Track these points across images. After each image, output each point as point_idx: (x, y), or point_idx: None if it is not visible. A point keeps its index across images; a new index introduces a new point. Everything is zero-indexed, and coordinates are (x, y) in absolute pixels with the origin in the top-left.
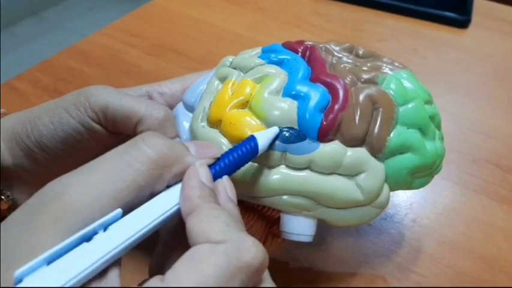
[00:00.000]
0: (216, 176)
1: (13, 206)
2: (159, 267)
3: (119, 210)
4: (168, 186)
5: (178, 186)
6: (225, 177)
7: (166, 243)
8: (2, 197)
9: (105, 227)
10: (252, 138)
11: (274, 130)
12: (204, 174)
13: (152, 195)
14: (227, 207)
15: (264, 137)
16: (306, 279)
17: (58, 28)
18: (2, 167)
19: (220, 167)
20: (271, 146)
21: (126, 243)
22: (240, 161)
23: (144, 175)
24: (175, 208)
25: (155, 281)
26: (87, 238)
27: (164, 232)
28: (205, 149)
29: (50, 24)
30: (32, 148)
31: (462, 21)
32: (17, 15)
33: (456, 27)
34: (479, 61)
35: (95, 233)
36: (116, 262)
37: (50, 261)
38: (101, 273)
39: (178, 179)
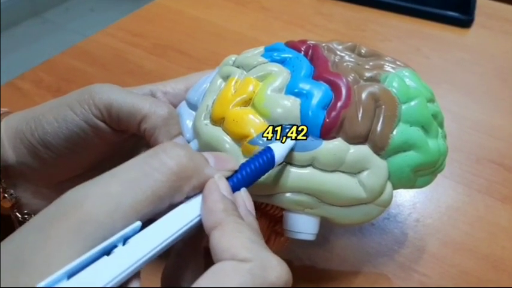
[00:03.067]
0: (233, 189)
1: (16, 205)
2: (172, 278)
3: (138, 223)
4: (187, 198)
5: (197, 199)
6: (243, 190)
7: (180, 254)
8: (6, 195)
9: (124, 240)
10: (269, 149)
11: (291, 142)
12: (224, 187)
13: (171, 207)
14: (247, 220)
15: (280, 148)
16: (309, 278)
17: (60, 29)
18: (6, 165)
19: (238, 179)
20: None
21: (146, 257)
22: (257, 172)
23: (164, 186)
24: (195, 221)
25: None
26: (107, 251)
27: (177, 243)
28: (224, 161)
29: (52, 25)
30: (36, 146)
31: (465, 21)
32: (19, 16)
33: (459, 27)
34: (482, 61)
35: (114, 246)
36: (135, 274)
37: (70, 274)
38: (122, 285)
39: (198, 191)
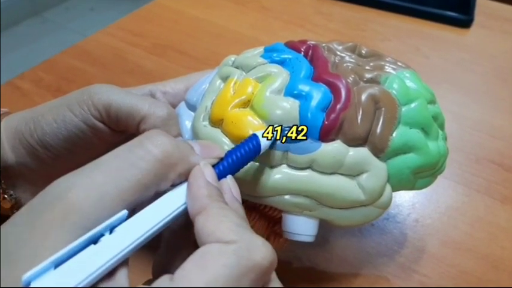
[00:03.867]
0: (219, 176)
1: (16, 205)
2: (163, 267)
3: (124, 212)
4: (173, 185)
5: (183, 186)
6: (229, 177)
7: (169, 243)
8: (5, 196)
9: (111, 229)
10: (254, 136)
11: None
12: (210, 173)
13: (157, 194)
14: (233, 207)
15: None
16: (309, 279)
17: (60, 28)
18: (5, 165)
19: (224, 167)
20: (272, 144)
21: (133, 245)
22: (242, 160)
23: (149, 174)
24: (181, 208)
25: (164, 280)
26: (94, 240)
27: (167, 232)
28: (209, 149)
29: (52, 25)
30: (35, 147)
31: (465, 21)
32: (19, 15)
33: (459, 27)
34: (482, 61)
35: (101, 235)
36: (124, 262)
37: (57, 264)
38: (109, 273)
39: (183, 178)
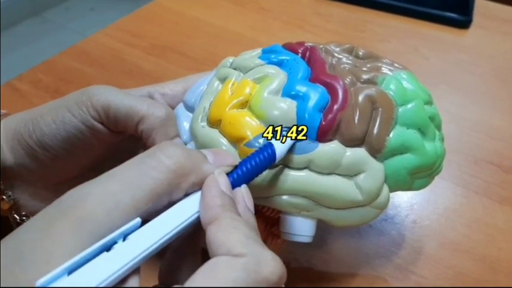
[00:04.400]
0: (233, 185)
1: (14, 206)
2: (169, 273)
3: (138, 220)
4: (186, 195)
5: (196, 195)
6: (244, 186)
7: (177, 250)
8: (4, 196)
9: (124, 236)
10: (269, 145)
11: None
12: (224, 183)
13: (170, 204)
14: (245, 217)
15: (281, 144)
16: (307, 279)
17: (59, 28)
18: (4, 166)
19: (238, 175)
20: (288, 153)
21: (146, 253)
22: (257, 169)
23: (162, 184)
24: (194, 217)
25: None
26: (107, 248)
27: (175, 240)
28: (222, 157)
29: (52, 25)
30: (34, 147)
31: (463, 22)
32: (18, 15)
33: (457, 28)
34: (481, 61)
35: (114, 242)
36: (135, 270)
37: (70, 271)
38: (122, 280)
39: (197, 187)
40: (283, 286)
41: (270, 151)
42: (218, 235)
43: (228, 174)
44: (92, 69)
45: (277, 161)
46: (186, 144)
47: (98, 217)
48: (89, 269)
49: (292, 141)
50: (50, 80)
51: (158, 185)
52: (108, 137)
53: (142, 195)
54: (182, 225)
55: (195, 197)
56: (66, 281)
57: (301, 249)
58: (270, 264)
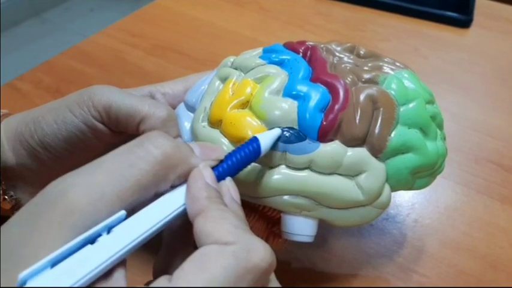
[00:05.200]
0: (219, 178)
1: (16, 206)
2: (163, 268)
3: (122, 212)
4: (172, 187)
5: (181, 188)
6: (228, 179)
7: (169, 244)
8: (6, 196)
9: (109, 229)
10: (255, 139)
11: (277, 131)
12: (209, 175)
13: (157, 195)
14: (232, 208)
15: (266, 138)
16: (308, 279)
17: (59, 29)
18: (6, 166)
19: (223, 169)
20: (273, 147)
21: (130, 246)
22: (242, 162)
23: (149, 175)
24: (180, 210)
25: (163, 281)
26: (91, 240)
27: (167, 234)
28: (209, 150)
29: (52, 25)
30: (35, 147)
31: (464, 21)
32: (18, 16)
33: (458, 27)
34: (481, 61)
35: (99, 235)
36: (121, 263)
37: (54, 263)
38: (106, 273)
39: (183, 179)
40: (273, 275)
41: (255, 145)
42: (206, 226)
43: (213, 168)
44: (92, 70)
45: (262, 154)
46: None
47: (83, 208)
48: (73, 262)
49: (277, 134)
50: (51, 80)
51: (144, 176)
52: (109, 137)
53: (128, 186)
54: (168, 218)
55: (180, 190)
56: (49, 273)
57: (302, 249)
58: (260, 251)
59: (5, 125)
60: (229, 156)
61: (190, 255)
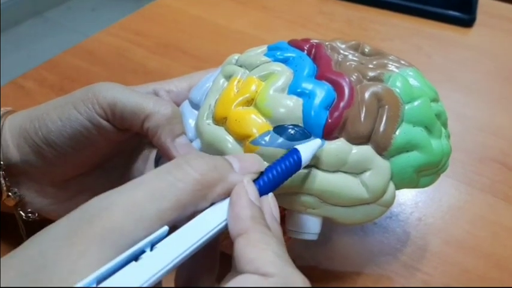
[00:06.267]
0: (260, 192)
1: (20, 203)
2: (186, 280)
3: (165, 228)
4: (212, 204)
5: (224, 203)
6: (271, 195)
7: (195, 258)
8: (9, 193)
9: (152, 245)
10: (295, 151)
11: (318, 142)
12: (252, 192)
13: (195, 214)
14: (273, 229)
15: (307, 149)
16: (312, 277)
17: (61, 28)
18: (10, 163)
19: (264, 182)
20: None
21: (174, 262)
22: (283, 175)
23: (188, 194)
24: (221, 225)
25: None
26: (135, 257)
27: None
28: (249, 163)
29: (54, 25)
30: (39, 144)
31: (467, 20)
32: (20, 15)
33: (461, 26)
34: (485, 60)
35: (142, 251)
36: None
37: (99, 280)
38: None
39: (223, 197)
40: None
41: (296, 157)
42: (247, 250)
43: (254, 181)
44: (96, 68)
45: (303, 165)
46: (191, 142)
47: (123, 228)
48: (118, 279)
49: (318, 145)
50: (54, 78)
51: (184, 196)
52: (113, 134)
53: (168, 206)
54: (210, 234)
55: (222, 205)
56: None
57: (306, 247)
58: (299, 286)
59: (9, 122)
60: (269, 169)
61: (230, 282)
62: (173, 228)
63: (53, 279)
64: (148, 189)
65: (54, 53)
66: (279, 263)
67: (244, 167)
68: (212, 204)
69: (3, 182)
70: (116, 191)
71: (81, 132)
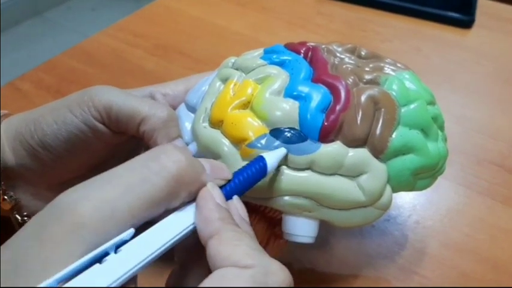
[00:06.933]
0: (226, 197)
1: (16, 206)
2: (176, 284)
3: (131, 231)
4: (182, 204)
5: (190, 207)
6: (236, 198)
7: (184, 261)
8: (5, 197)
9: (116, 247)
10: (261, 158)
11: (282, 151)
12: (218, 195)
13: (167, 212)
14: (243, 228)
15: (272, 157)
16: (309, 280)
17: (61, 28)
18: (6, 167)
19: (231, 188)
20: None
21: (138, 266)
22: (249, 181)
23: (162, 191)
24: (188, 229)
25: None
26: (99, 259)
27: (181, 251)
28: (218, 169)
29: (53, 25)
30: (35, 148)
31: (466, 22)
32: (19, 15)
33: (460, 28)
34: (484, 61)
35: (106, 253)
36: (131, 280)
37: (61, 282)
38: None
39: (193, 197)
40: None
41: (261, 164)
42: (221, 249)
43: (220, 187)
44: (93, 70)
45: (268, 173)
46: (188, 145)
47: (93, 223)
48: (80, 282)
49: (282, 154)
50: (51, 80)
51: (158, 193)
52: (109, 137)
53: (140, 203)
54: (176, 238)
55: (189, 209)
56: None
57: (303, 250)
58: (278, 275)
59: (5, 125)
60: (235, 174)
61: (208, 277)
62: (143, 225)
63: (27, 278)
64: (121, 184)
65: (54, 53)
66: (255, 255)
67: (215, 172)
68: (182, 203)
69: None
70: (86, 184)
71: (76, 136)
